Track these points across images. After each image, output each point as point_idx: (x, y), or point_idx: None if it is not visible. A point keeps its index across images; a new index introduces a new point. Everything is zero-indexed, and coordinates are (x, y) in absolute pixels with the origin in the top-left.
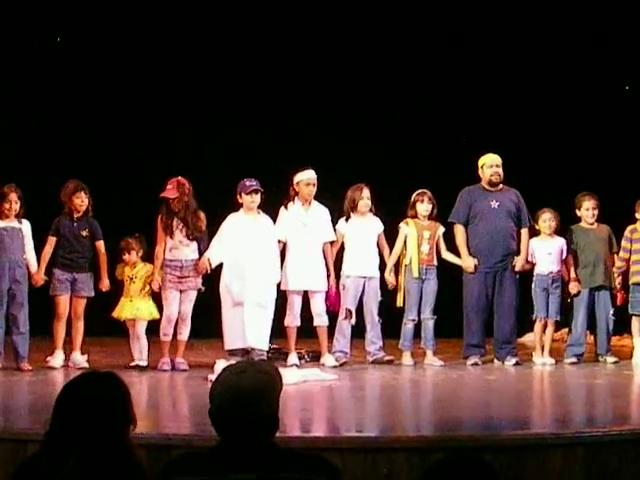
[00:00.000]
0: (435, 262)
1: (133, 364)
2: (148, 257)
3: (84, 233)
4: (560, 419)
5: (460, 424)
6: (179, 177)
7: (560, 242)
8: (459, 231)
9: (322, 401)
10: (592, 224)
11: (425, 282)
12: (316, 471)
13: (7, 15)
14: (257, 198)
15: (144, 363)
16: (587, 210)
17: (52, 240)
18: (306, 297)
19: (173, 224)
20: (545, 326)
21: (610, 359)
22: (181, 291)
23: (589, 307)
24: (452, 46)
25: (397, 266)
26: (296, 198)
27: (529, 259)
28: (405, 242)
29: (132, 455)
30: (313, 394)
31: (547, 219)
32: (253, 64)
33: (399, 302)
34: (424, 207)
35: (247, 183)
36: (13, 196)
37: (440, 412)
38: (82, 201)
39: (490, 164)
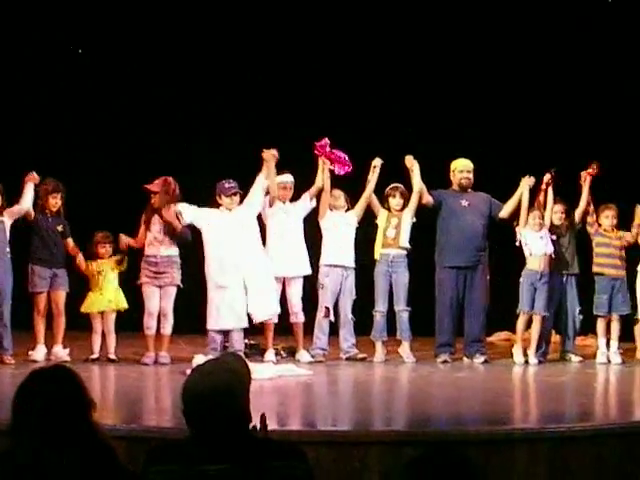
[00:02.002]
0: (403, 251)
1: (93, 357)
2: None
3: (59, 228)
4: (526, 415)
5: (430, 419)
6: (169, 177)
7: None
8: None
9: (297, 396)
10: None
11: (394, 274)
12: (287, 458)
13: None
14: (236, 199)
15: (113, 357)
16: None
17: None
18: (283, 291)
19: (152, 219)
20: (530, 322)
21: (575, 358)
22: (160, 287)
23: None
24: (446, 52)
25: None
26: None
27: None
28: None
29: (100, 438)
30: (288, 389)
31: (536, 216)
32: (242, 65)
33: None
34: (395, 202)
35: (226, 185)
36: None
37: (411, 408)
38: (57, 202)
39: (461, 169)
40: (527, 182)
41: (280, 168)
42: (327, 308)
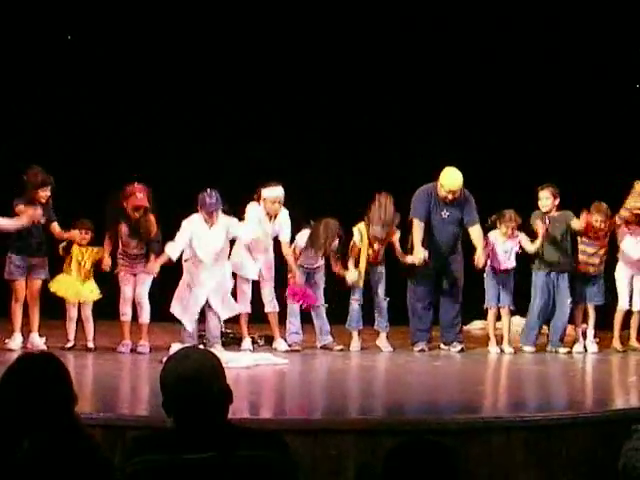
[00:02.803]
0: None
1: (69, 345)
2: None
3: (42, 220)
4: (502, 403)
5: (407, 408)
6: (141, 184)
7: (516, 240)
8: (417, 226)
9: (273, 384)
10: (549, 212)
11: (371, 267)
12: (269, 447)
13: None
14: (216, 215)
15: (91, 345)
16: (541, 200)
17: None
18: (256, 284)
19: (123, 230)
20: (498, 315)
21: (562, 349)
22: (134, 275)
23: (545, 294)
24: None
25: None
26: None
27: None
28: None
29: (82, 431)
30: (264, 378)
31: (509, 226)
32: (237, 71)
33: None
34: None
35: (207, 201)
36: None
37: (388, 396)
38: (46, 195)
39: (448, 189)
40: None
41: (271, 177)
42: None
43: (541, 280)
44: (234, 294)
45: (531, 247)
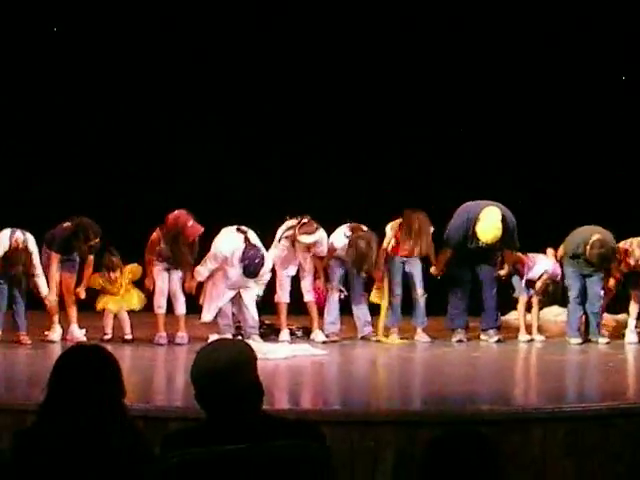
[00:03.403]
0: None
1: (107, 337)
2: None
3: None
4: (541, 394)
5: (445, 399)
6: (183, 210)
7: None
8: (446, 254)
9: (311, 375)
10: None
11: (406, 264)
12: (304, 437)
13: None
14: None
15: (129, 337)
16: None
17: (57, 257)
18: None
19: (163, 253)
20: (529, 304)
21: (602, 339)
22: (168, 270)
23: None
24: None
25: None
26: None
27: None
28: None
29: (130, 424)
30: (303, 369)
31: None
32: (255, 85)
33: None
34: None
35: (250, 268)
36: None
37: (426, 387)
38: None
39: (484, 240)
40: None
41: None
42: (336, 287)
43: (573, 271)
44: (273, 286)
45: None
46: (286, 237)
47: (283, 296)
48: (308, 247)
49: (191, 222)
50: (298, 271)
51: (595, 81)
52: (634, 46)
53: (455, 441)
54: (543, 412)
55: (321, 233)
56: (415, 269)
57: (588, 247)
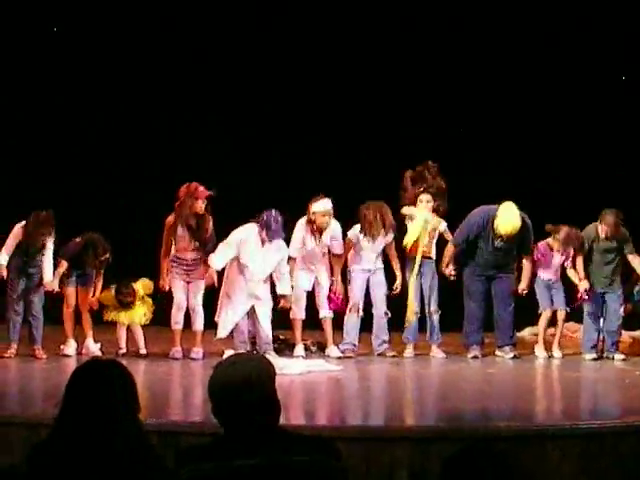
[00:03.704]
0: (433, 255)
1: (122, 352)
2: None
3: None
4: (557, 411)
5: (460, 415)
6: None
7: (561, 258)
8: (450, 250)
9: (327, 391)
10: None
11: (423, 277)
12: (321, 453)
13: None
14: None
15: (143, 351)
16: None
17: (64, 264)
18: (311, 290)
19: (179, 229)
20: (552, 318)
21: (617, 355)
22: (188, 282)
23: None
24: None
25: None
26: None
27: (534, 257)
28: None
29: (145, 440)
30: (318, 384)
31: (564, 242)
32: (264, 74)
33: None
34: (425, 197)
35: (273, 226)
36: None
37: (441, 403)
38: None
39: (503, 233)
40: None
41: (313, 188)
42: (355, 304)
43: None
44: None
45: (577, 282)
46: (302, 225)
47: (298, 312)
48: (323, 226)
49: (201, 187)
50: (313, 286)
51: (595, 81)
52: (634, 46)
53: (472, 458)
54: (559, 429)
55: (335, 225)
56: (431, 284)
57: (601, 223)
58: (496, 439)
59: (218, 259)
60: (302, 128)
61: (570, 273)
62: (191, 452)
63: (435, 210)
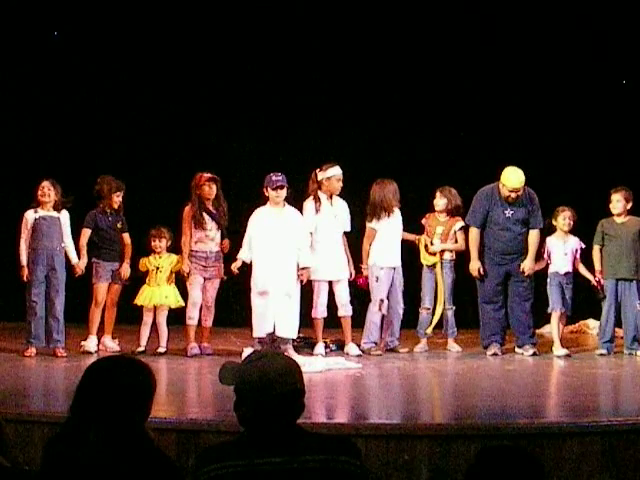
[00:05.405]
0: (447, 256)
1: (140, 350)
2: (173, 249)
3: (119, 225)
4: (577, 408)
5: (480, 413)
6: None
7: (575, 241)
8: (473, 233)
9: (346, 389)
10: (620, 215)
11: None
12: (340, 452)
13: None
14: (282, 193)
15: (163, 350)
16: (613, 202)
17: (87, 232)
18: (330, 288)
19: (203, 216)
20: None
21: (639, 352)
22: (205, 279)
23: (615, 299)
24: (463, 51)
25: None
26: (319, 192)
27: (544, 257)
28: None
29: (151, 443)
30: (337, 382)
31: (566, 217)
32: (275, 60)
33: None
34: (437, 201)
35: (273, 178)
36: (46, 183)
37: (460, 401)
38: (119, 200)
39: (510, 188)
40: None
41: (322, 158)
42: (382, 300)
43: (609, 285)
44: (310, 298)
45: (589, 277)
46: (310, 202)
47: (320, 312)
48: (337, 191)
49: (206, 174)
50: (331, 284)
51: (595, 84)
52: (635, 49)
53: (501, 457)
54: (579, 426)
55: (342, 202)
56: (446, 280)
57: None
58: (515, 436)
59: (243, 252)
60: (303, 128)
61: (585, 274)
62: (214, 450)
63: (448, 211)
